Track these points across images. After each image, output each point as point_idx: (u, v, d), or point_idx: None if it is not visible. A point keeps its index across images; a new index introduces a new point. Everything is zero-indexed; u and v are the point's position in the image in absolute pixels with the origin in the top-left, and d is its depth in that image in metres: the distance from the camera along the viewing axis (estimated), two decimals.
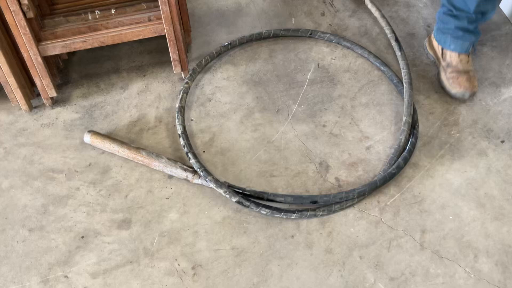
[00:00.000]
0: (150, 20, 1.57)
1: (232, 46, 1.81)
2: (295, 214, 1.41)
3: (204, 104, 1.70)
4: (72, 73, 1.77)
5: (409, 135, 1.58)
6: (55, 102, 1.68)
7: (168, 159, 1.50)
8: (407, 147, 1.55)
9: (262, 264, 1.36)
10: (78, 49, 1.55)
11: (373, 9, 1.89)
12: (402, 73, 1.71)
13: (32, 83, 1.65)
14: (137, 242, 1.39)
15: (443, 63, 1.73)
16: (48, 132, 1.62)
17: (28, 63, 1.53)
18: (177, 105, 1.61)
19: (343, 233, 1.41)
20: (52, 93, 1.62)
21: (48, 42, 1.52)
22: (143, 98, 1.71)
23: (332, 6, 1.99)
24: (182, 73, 1.72)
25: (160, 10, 1.53)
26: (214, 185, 1.43)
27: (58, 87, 1.66)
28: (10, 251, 1.38)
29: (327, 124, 1.64)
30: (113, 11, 1.58)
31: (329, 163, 1.55)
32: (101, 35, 1.54)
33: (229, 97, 1.71)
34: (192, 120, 1.65)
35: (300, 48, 1.85)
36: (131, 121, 1.65)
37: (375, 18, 1.94)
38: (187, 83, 1.67)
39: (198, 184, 1.49)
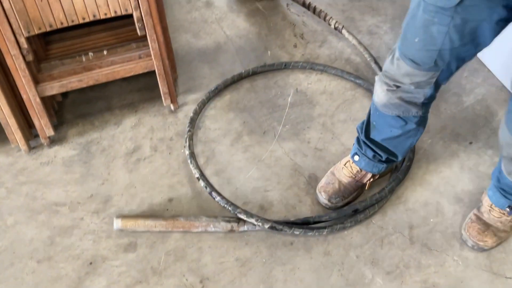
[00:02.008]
0: (140, 57, 1.70)
1: (219, 90, 1.92)
2: (326, 230, 1.49)
3: (195, 132, 1.80)
4: (67, 114, 1.86)
5: None
6: (52, 141, 1.76)
7: (208, 216, 1.50)
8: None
9: (266, 271, 1.43)
10: (74, 88, 1.65)
11: (350, 37, 2.08)
12: None
13: (29, 125, 1.72)
14: (144, 263, 1.45)
15: (481, 201, 1.53)
16: (48, 170, 1.68)
17: (27, 104, 1.61)
18: (187, 152, 1.68)
19: (338, 236, 1.51)
20: (50, 132, 1.70)
21: (46, 83, 1.61)
22: (136, 131, 1.80)
23: (302, 38, 2.18)
24: (171, 105, 1.84)
25: (149, 49, 1.66)
26: (245, 215, 1.48)
27: (54, 127, 1.74)
28: (20, 283, 1.41)
29: (311, 140, 1.77)
30: (105, 52, 1.70)
31: (317, 174, 1.66)
32: (95, 73, 1.65)
33: (218, 124, 1.83)
34: (185, 147, 1.75)
35: (278, 76, 2.01)
36: (128, 153, 1.73)
37: (342, 47, 2.13)
38: (189, 130, 1.74)
39: (243, 230, 1.50)
